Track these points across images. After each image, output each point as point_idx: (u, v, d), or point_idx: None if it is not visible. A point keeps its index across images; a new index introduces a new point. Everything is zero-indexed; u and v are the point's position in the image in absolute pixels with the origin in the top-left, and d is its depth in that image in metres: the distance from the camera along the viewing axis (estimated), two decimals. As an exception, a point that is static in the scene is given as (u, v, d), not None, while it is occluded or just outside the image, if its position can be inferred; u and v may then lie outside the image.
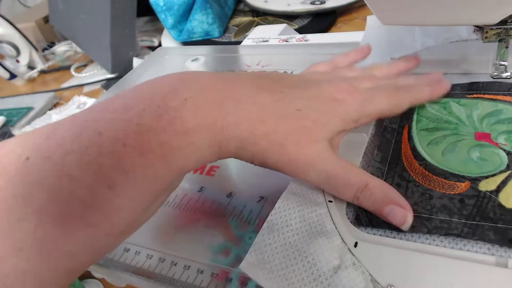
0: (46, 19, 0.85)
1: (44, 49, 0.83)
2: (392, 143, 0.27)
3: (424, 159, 0.25)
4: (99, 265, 0.27)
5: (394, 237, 0.22)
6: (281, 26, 0.56)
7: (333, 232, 0.22)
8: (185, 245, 0.26)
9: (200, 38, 0.66)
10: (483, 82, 0.30)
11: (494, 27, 0.27)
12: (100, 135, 0.18)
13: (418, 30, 0.37)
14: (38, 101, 0.63)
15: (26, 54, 0.74)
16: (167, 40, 0.69)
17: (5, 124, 0.59)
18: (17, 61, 0.74)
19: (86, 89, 0.67)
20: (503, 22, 0.25)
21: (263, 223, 0.24)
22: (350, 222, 0.23)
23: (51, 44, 0.84)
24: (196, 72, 0.23)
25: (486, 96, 0.30)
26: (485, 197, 0.22)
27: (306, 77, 0.28)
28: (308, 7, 0.63)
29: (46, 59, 0.79)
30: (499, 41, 0.28)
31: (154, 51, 0.57)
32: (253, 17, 0.69)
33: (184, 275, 0.24)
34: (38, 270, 0.16)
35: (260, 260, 0.22)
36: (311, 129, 0.22)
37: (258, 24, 0.67)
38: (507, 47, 0.28)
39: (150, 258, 0.26)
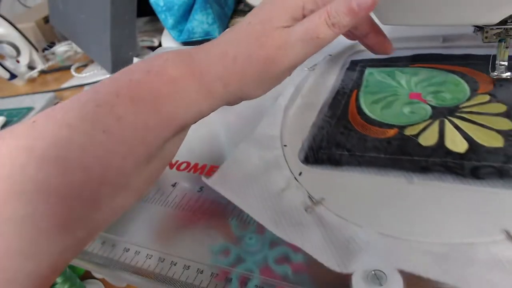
0: (46, 19, 0.85)
1: (44, 49, 0.83)
2: (342, 103, 0.33)
3: (365, 114, 0.31)
4: (99, 265, 0.27)
5: (332, 170, 0.27)
6: None
7: (284, 166, 0.28)
8: (185, 245, 0.26)
9: (200, 38, 0.66)
10: (424, 54, 0.36)
11: (494, 27, 0.27)
12: (97, 93, 0.21)
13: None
14: (39, 101, 0.63)
15: (26, 54, 0.74)
16: (167, 40, 0.69)
17: (5, 124, 0.59)
18: (17, 61, 0.74)
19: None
20: (503, 22, 0.26)
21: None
22: (300, 161, 0.28)
23: (51, 44, 0.84)
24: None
25: (426, 65, 0.35)
26: (408, 139, 0.27)
27: None
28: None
29: (46, 59, 0.79)
30: (499, 41, 0.28)
31: (154, 51, 0.57)
32: (253, 17, 0.69)
33: (183, 275, 0.24)
34: (37, 214, 0.17)
35: (223, 181, 0.26)
36: (264, 27, 0.24)
37: (258, 24, 0.66)
38: (507, 47, 0.28)
39: (150, 258, 0.26)
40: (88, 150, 0.19)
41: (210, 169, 0.32)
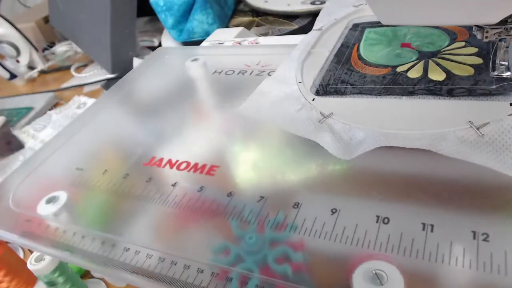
0: (46, 19, 0.85)
1: (44, 49, 0.83)
2: (345, 53, 0.40)
3: (365, 59, 0.38)
4: (99, 264, 0.27)
5: (338, 98, 0.33)
6: (238, 29, 0.57)
7: (300, 96, 0.34)
8: (185, 245, 0.26)
9: (200, 38, 0.66)
10: None
11: (495, 27, 0.27)
12: None
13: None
14: (38, 101, 0.63)
15: (26, 54, 0.74)
16: (167, 40, 0.69)
17: (5, 124, 0.59)
18: (17, 61, 0.74)
19: (86, 89, 0.67)
20: (503, 21, 0.25)
21: (264, 223, 0.24)
22: (312, 93, 0.34)
23: (51, 44, 0.84)
24: None
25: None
26: (399, 74, 0.34)
27: None
28: (308, 7, 0.63)
29: (46, 59, 0.79)
30: (499, 41, 0.28)
31: (154, 51, 0.57)
32: (253, 17, 0.69)
33: (184, 274, 0.24)
34: None
35: (253, 107, 0.34)
36: None
37: (258, 24, 0.67)
38: (507, 47, 0.28)
39: (150, 258, 0.26)
40: None
41: (210, 169, 0.32)
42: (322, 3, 0.63)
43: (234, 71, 0.44)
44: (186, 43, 0.66)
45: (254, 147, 0.34)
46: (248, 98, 0.34)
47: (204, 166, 0.32)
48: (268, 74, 0.41)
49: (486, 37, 0.28)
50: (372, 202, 0.26)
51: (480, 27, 0.28)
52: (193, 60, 0.47)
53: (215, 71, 0.45)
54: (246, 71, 0.43)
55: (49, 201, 0.32)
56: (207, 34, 0.65)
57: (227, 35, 0.54)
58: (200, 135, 0.36)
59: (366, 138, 0.27)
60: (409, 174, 0.27)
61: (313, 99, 0.34)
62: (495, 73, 0.30)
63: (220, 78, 0.44)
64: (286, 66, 0.39)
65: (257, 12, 0.69)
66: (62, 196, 0.33)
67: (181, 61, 0.49)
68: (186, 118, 0.40)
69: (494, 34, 0.28)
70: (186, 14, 0.65)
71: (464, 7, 0.25)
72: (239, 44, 0.50)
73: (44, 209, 0.32)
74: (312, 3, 0.64)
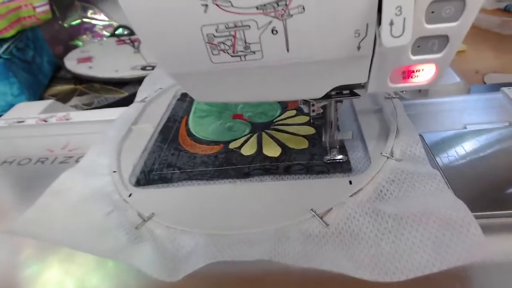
0: None
1: None
2: (173, 128, 0.35)
3: (194, 135, 0.34)
4: None
5: (163, 188, 0.28)
6: (46, 102, 0.47)
7: (113, 191, 0.27)
8: None
9: (3, 113, 0.53)
10: None
11: (320, 100, 0.24)
12: None
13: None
14: None
15: None
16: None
17: None
18: None
19: None
20: (328, 95, 0.23)
21: None
22: (132, 185, 0.28)
23: None
24: None
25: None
26: (232, 152, 0.31)
27: None
28: (139, 73, 0.57)
29: None
30: (324, 124, 0.27)
31: None
32: (76, 84, 0.60)
33: None
34: None
35: (37, 221, 0.25)
36: None
37: (81, 93, 0.58)
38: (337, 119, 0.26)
39: None
40: None
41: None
42: (153, 68, 0.58)
43: (30, 160, 0.34)
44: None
45: (55, 272, 0.24)
46: (34, 205, 0.26)
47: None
48: (76, 161, 0.32)
49: (313, 110, 0.25)
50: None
51: (306, 101, 0.25)
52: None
53: (4, 161, 0.34)
54: (47, 159, 0.34)
55: None
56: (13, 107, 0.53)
57: (30, 111, 0.43)
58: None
59: (196, 247, 0.22)
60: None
61: (130, 195, 0.27)
62: (328, 157, 0.27)
63: (10, 170, 0.33)
64: (98, 150, 0.32)
65: (80, 79, 0.60)
66: None
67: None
68: None
69: (320, 107, 0.25)
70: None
71: (290, 85, 0.22)
72: (45, 121, 0.40)
73: None
74: (143, 69, 0.58)
